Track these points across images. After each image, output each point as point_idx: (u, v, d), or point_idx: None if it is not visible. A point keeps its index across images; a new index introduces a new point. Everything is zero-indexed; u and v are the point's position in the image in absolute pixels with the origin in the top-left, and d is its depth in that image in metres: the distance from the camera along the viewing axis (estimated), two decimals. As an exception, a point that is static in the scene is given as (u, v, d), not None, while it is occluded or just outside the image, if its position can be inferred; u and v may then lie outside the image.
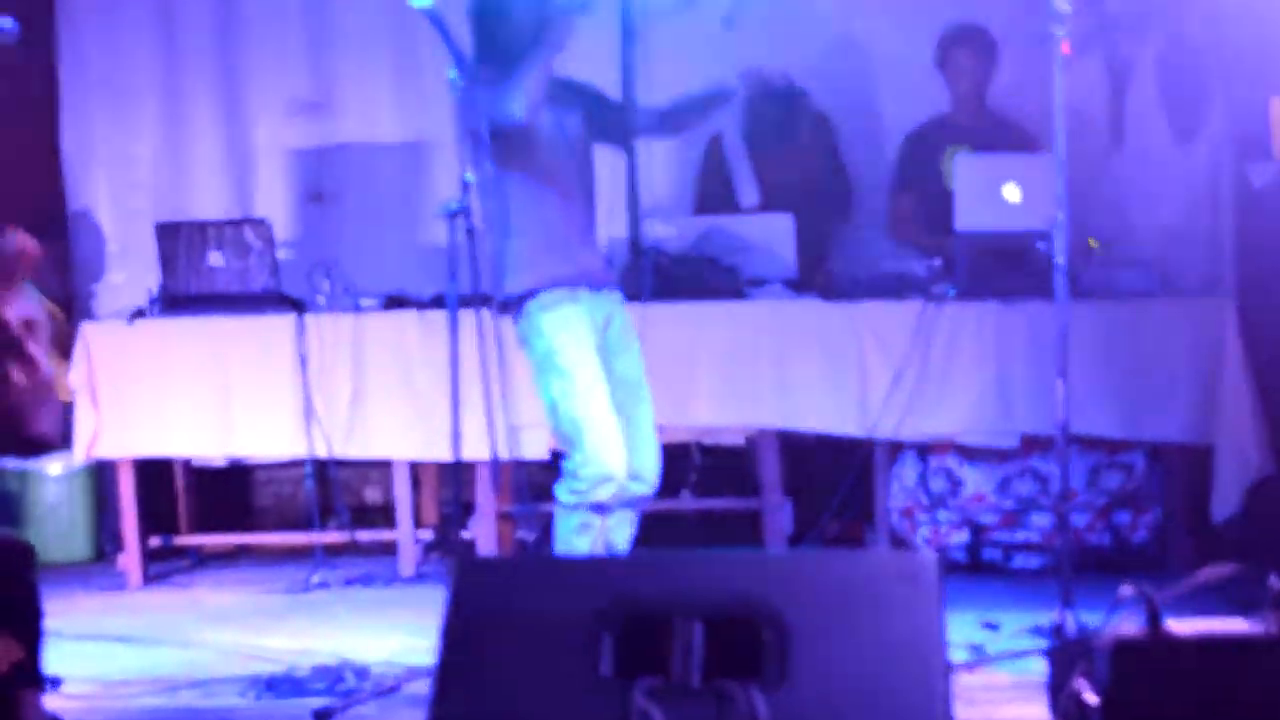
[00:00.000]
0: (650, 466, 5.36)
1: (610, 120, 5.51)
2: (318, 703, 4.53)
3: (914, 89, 7.11)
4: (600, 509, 5.16)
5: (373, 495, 7.73)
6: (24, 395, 6.22)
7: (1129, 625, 3.15)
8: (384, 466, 7.08)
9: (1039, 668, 4.71)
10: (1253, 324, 6.37)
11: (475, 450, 5.48)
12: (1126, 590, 3.28)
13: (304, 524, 7.06)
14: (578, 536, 5.13)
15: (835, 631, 2.98)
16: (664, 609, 2.98)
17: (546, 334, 5.18)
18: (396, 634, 5.51)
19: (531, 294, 5.19)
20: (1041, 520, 6.47)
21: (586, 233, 5.39)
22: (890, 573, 3.02)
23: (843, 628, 2.99)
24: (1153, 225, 7.11)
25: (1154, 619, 3.13)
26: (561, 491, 5.25)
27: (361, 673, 4.84)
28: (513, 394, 5.30)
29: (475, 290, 5.07)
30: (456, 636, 3.03)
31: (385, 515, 7.36)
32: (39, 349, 6.30)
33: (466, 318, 5.02)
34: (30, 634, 3.90)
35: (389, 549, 6.86)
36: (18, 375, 6.16)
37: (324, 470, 6.75)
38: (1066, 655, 3.41)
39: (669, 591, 3.00)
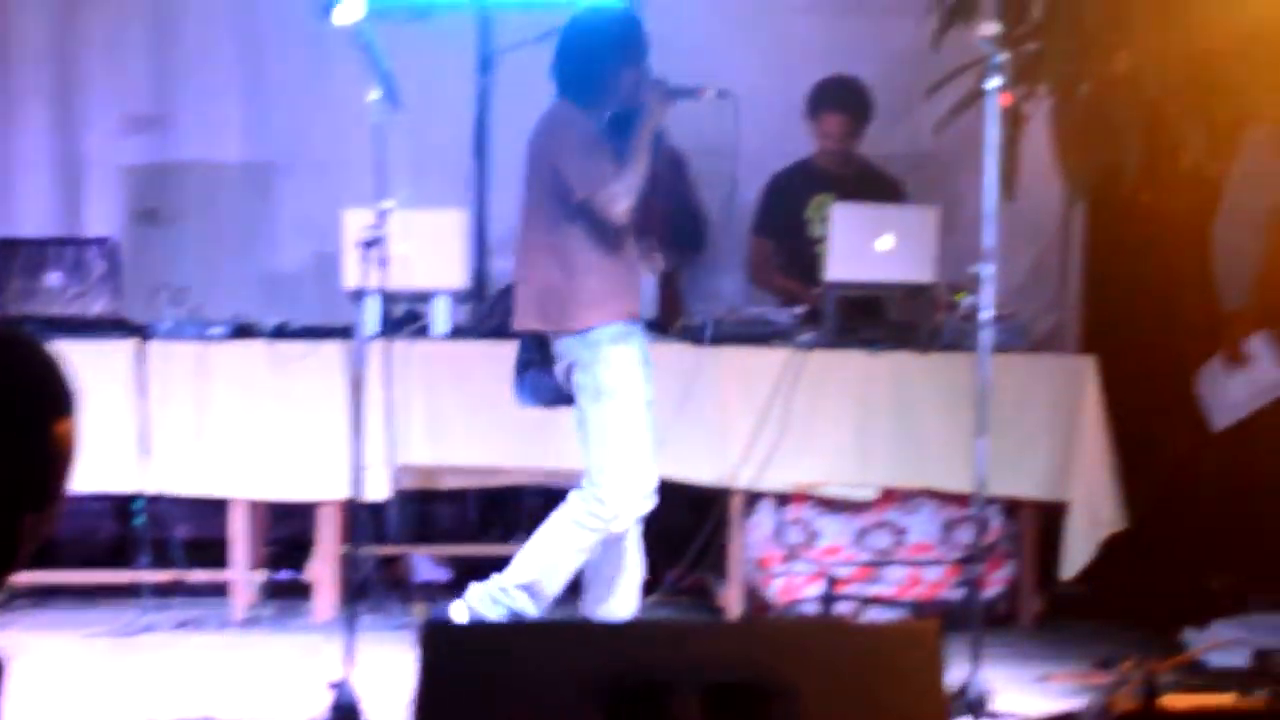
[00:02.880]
0: None
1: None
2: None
3: (777, 132, 6.95)
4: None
5: (184, 531, 7.34)
6: None
7: (1125, 699, 3.03)
8: (197, 501, 6.72)
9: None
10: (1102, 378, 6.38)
11: (319, 490, 5.38)
12: (1129, 664, 3.16)
13: (108, 561, 6.65)
14: (577, 555, 5.42)
15: (844, 702, 2.80)
16: (660, 680, 2.76)
17: (614, 365, 5.41)
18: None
19: (600, 327, 5.40)
20: (897, 574, 6.39)
21: (637, 271, 5.60)
22: (895, 642, 2.86)
23: (851, 699, 2.81)
24: (1004, 276, 7.09)
25: (1150, 694, 3.02)
26: (580, 509, 5.42)
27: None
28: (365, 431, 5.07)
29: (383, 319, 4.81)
30: (428, 715, 2.77)
31: (197, 552, 6.99)
32: None
33: (313, 351, 4.77)
34: None
35: (214, 589, 6.47)
36: None
37: (129, 504, 6.36)
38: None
39: (665, 661, 2.78)
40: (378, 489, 6.12)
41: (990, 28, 4.58)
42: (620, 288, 5.47)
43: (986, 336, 4.82)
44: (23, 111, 7.28)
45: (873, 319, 6.56)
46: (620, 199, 5.34)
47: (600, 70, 5.42)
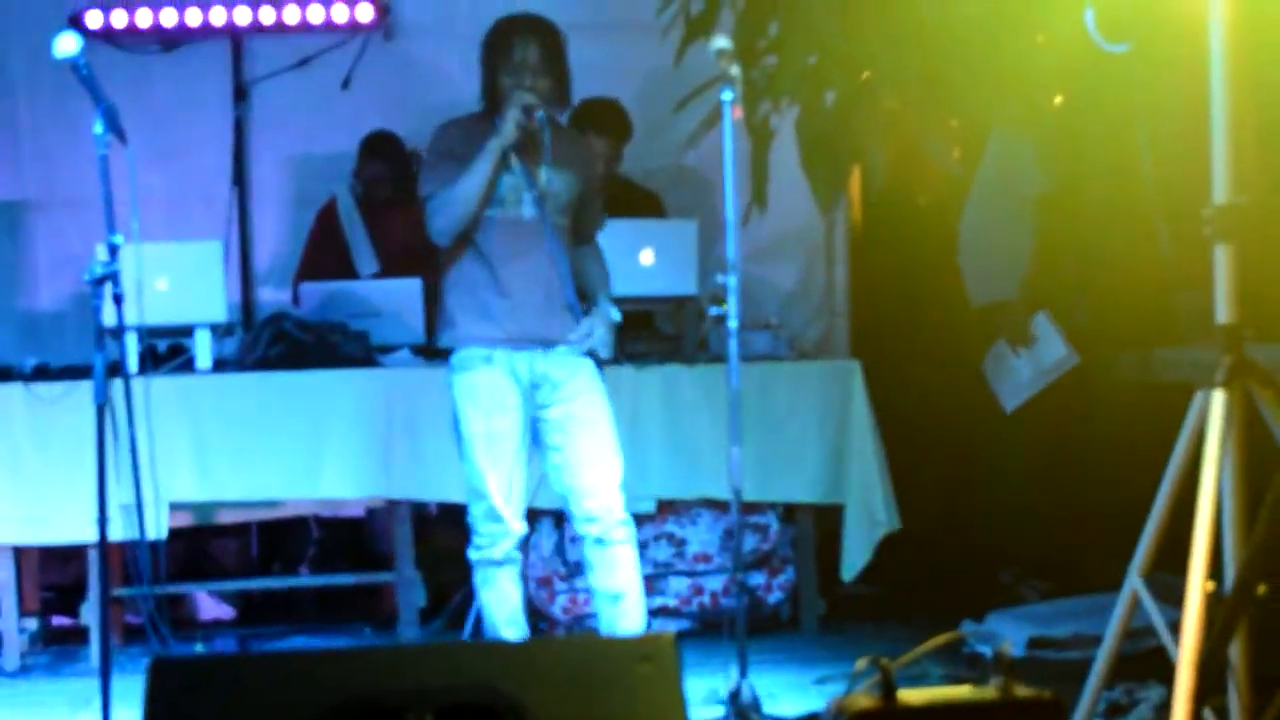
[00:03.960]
0: (597, 505, 5.27)
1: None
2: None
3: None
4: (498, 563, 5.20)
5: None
6: None
7: (863, 698, 3.07)
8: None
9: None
10: (869, 381, 6.47)
11: (84, 532, 5.17)
12: (861, 663, 3.20)
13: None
14: (482, 591, 5.21)
15: (576, 716, 2.81)
16: (395, 703, 2.75)
17: (453, 393, 5.22)
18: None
19: (451, 351, 5.26)
20: (679, 585, 6.42)
21: (525, 296, 5.21)
22: (631, 654, 2.87)
23: (585, 713, 2.82)
24: (773, 286, 7.20)
25: (889, 689, 3.05)
26: (470, 550, 5.25)
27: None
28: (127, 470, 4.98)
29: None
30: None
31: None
32: None
33: (70, 390, 4.66)
34: None
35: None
36: None
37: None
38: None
39: (400, 685, 2.77)
40: (155, 527, 6.01)
41: (721, 42, 4.63)
42: (473, 309, 5.20)
43: (734, 345, 4.85)
44: None
45: (644, 331, 6.61)
46: (434, 215, 5.14)
47: (482, 72, 5.24)
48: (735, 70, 4.60)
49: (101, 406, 4.45)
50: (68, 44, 4.44)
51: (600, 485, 5.23)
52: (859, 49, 5.23)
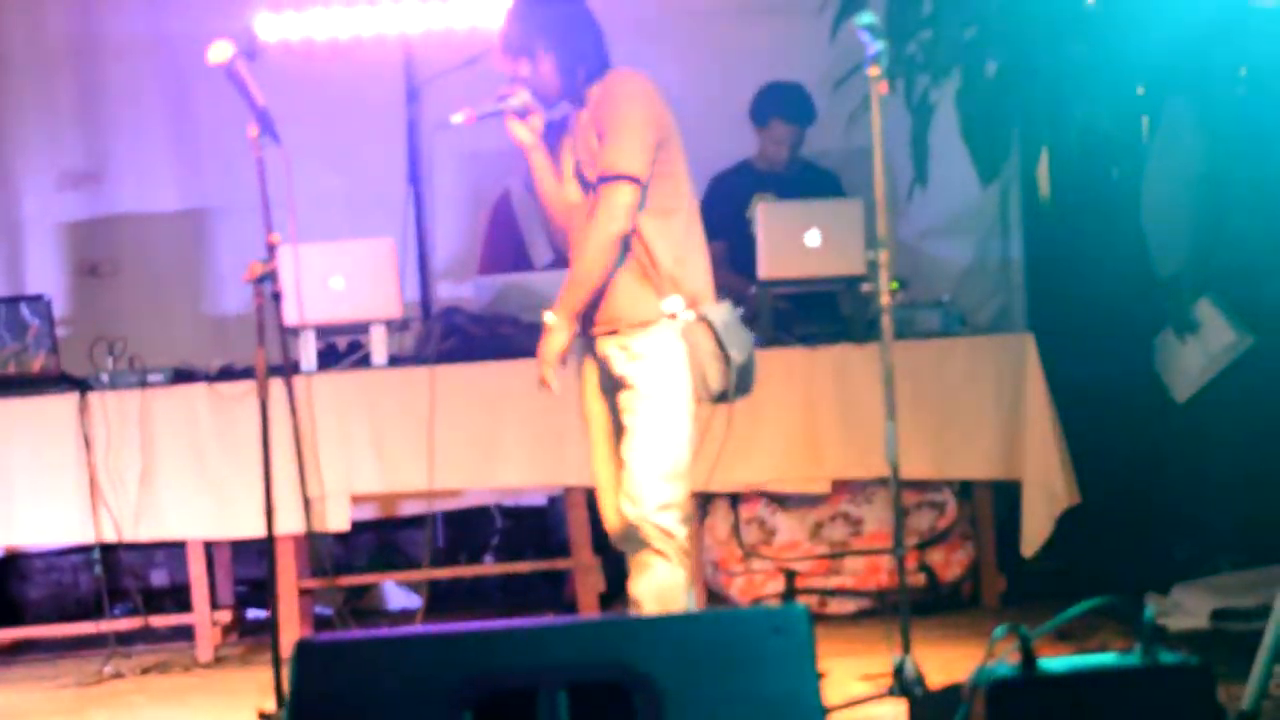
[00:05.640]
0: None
1: None
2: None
3: (718, 132, 6.90)
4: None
5: (159, 578, 7.42)
6: None
7: (1002, 665, 3.06)
8: (170, 547, 6.78)
9: (892, 712, 4.66)
10: (1046, 356, 6.40)
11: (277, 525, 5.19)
12: (1000, 631, 3.19)
13: (83, 613, 6.71)
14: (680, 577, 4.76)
15: (710, 692, 2.85)
16: (527, 681, 2.81)
17: (669, 362, 4.74)
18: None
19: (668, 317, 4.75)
20: (855, 564, 6.43)
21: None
22: (762, 628, 2.90)
23: (717, 688, 2.86)
24: (947, 263, 7.16)
25: (1028, 658, 3.05)
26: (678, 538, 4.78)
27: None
28: (312, 464, 5.11)
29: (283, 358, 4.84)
30: (302, 726, 2.82)
31: (174, 598, 7.05)
32: None
33: (252, 389, 4.79)
34: None
35: (183, 633, 6.53)
36: None
37: (107, 555, 6.41)
38: (931, 699, 3.32)
39: (531, 662, 2.84)
40: (337, 520, 6.18)
41: (866, 17, 4.62)
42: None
43: (886, 322, 4.83)
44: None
45: (827, 313, 6.61)
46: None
47: None
48: (881, 45, 4.58)
49: (264, 403, 4.57)
50: (220, 51, 4.59)
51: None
52: (1017, 22, 5.20)
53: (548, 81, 4.72)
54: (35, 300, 6.31)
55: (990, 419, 6.36)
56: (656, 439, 4.68)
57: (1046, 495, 6.32)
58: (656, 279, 4.68)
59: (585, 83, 4.72)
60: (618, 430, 4.78)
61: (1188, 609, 5.87)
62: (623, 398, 4.74)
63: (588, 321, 4.78)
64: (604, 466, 4.86)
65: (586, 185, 4.73)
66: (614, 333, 4.74)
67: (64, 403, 6.17)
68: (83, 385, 6.21)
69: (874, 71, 4.59)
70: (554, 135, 4.83)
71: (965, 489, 6.50)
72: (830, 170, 7.08)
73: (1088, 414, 6.68)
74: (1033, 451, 6.33)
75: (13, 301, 6.31)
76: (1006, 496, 6.49)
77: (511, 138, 4.76)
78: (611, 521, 4.85)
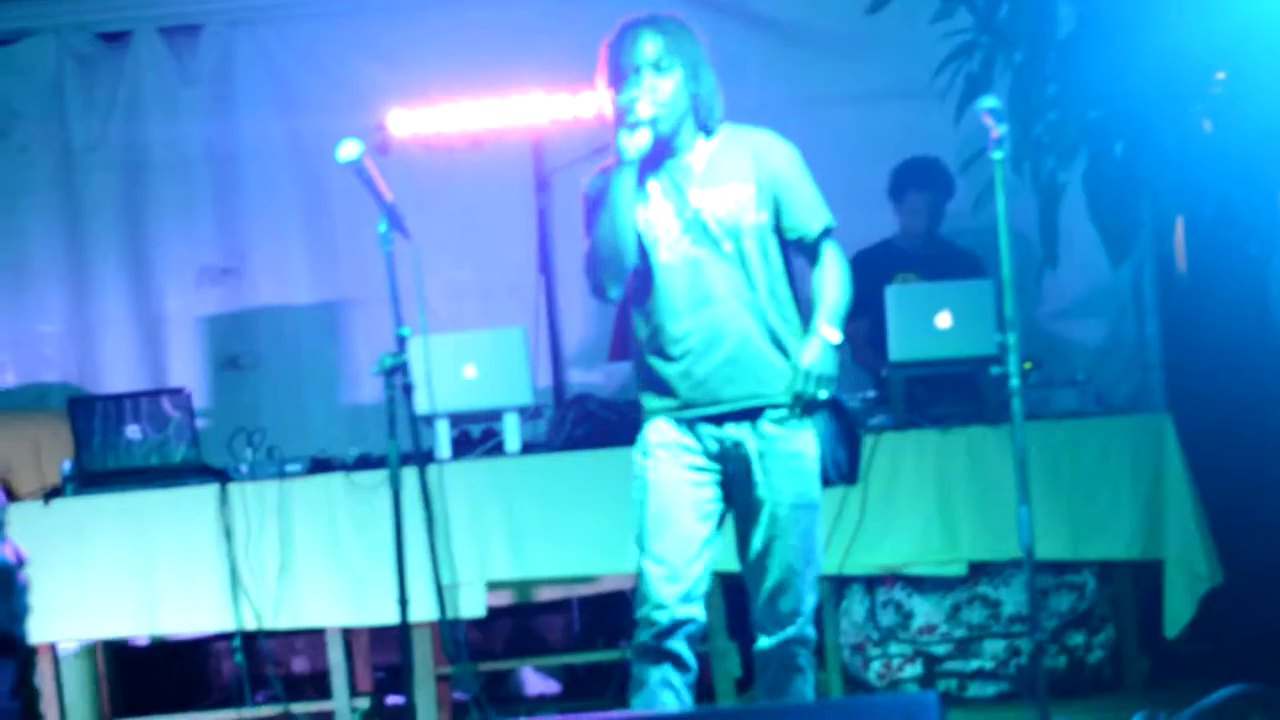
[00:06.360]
0: None
1: None
2: None
3: (861, 211, 6.81)
4: None
5: (300, 665, 7.49)
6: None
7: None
8: (310, 634, 6.85)
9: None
10: (1186, 434, 6.32)
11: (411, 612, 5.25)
12: (1139, 718, 3.14)
13: (231, 699, 6.80)
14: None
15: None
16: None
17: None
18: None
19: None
20: (995, 647, 6.36)
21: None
22: (895, 716, 2.89)
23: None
24: (1081, 342, 7.11)
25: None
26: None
27: None
28: (447, 552, 5.15)
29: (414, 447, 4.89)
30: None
31: (314, 684, 7.11)
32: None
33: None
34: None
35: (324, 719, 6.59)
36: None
37: (249, 642, 6.50)
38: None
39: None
40: (473, 606, 6.22)
41: (988, 101, 4.62)
42: None
43: (1017, 404, 4.79)
44: (100, 272, 7.57)
45: (963, 394, 6.57)
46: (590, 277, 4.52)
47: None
48: (1004, 129, 4.57)
49: (396, 492, 4.63)
50: (349, 150, 4.68)
51: None
52: (1141, 101, 5.18)
53: (679, 106, 4.39)
54: (175, 393, 6.44)
55: (1128, 498, 6.28)
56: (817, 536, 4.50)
57: (1189, 575, 6.23)
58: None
59: (720, 119, 4.46)
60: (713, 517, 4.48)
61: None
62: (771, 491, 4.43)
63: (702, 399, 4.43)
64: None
65: (702, 226, 4.38)
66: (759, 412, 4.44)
67: (204, 493, 6.28)
68: (222, 476, 6.32)
69: (998, 155, 4.59)
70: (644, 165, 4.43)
71: (1106, 570, 6.42)
72: (972, 250, 7.06)
73: (1232, 492, 6.58)
74: (1173, 531, 6.25)
75: (154, 395, 6.45)
76: (1150, 578, 6.40)
77: (620, 146, 4.34)
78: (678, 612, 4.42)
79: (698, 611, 4.42)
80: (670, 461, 4.46)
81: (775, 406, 4.43)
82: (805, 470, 4.45)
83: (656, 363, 4.47)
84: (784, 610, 4.43)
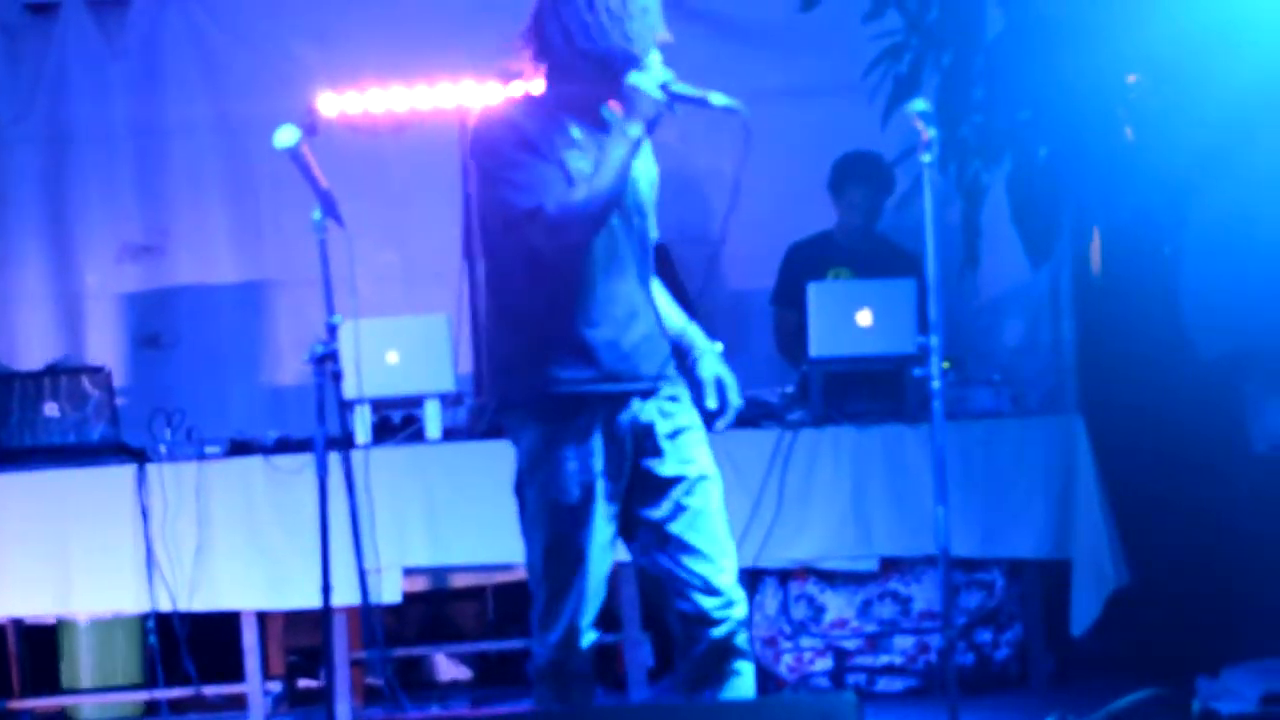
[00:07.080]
0: None
1: None
2: None
3: (761, 216, 6.86)
4: None
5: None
6: None
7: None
8: (225, 616, 6.82)
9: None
10: (1097, 435, 6.41)
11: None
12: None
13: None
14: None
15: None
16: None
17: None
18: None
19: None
20: (904, 643, 6.43)
21: None
22: (813, 714, 2.93)
23: (764, 774, 2.89)
24: (999, 342, 7.19)
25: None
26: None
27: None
28: (368, 537, 5.15)
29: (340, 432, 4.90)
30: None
31: (228, 667, 7.08)
32: None
33: (307, 462, 4.88)
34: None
35: (235, 702, 6.56)
36: None
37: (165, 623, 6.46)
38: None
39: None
40: (390, 591, 6.23)
41: (919, 104, 4.66)
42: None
43: (938, 405, 4.83)
44: (20, 246, 7.51)
45: (882, 390, 6.62)
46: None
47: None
48: (934, 133, 4.61)
49: (323, 479, 4.64)
50: (286, 136, 4.68)
51: None
52: (1067, 108, 5.25)
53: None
54: (95, 371, 6.40)
55: (1040, 499, 6.37)
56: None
57: (1096, 575, 6.32)
58: None
59: None
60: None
61: (1237, 692, 5.84)
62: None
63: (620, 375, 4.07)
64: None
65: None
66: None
67: (122, 473, 6.24)
68: (141, 456, 6.29)
69: (926, 158, 4.63)
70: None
71: (1015, 569, 6.50)
72: (909, 250, 7.08)
73: (1140, 493, 6.67)
74: (1082, 532, 6.34)
75: (73, 372, 6.40)
76: (1058, 577, 6.49)
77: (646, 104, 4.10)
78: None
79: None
80: (607, 513, 4.11)
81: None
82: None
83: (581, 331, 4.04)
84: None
